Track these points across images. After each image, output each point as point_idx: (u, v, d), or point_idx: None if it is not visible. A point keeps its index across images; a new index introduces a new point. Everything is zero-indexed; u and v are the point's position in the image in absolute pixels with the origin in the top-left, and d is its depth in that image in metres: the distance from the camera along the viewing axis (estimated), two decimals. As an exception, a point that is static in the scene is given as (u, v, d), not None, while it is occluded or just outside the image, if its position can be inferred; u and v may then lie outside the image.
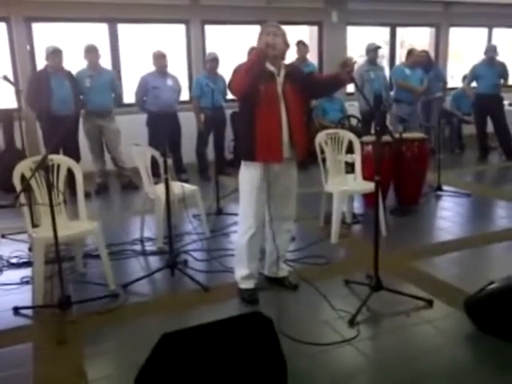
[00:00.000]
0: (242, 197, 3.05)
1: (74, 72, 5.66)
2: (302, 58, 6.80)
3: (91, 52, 5.69)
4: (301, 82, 2.97)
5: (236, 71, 2.84)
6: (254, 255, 3.08)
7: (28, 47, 6.36)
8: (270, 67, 2.90)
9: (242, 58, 6.32)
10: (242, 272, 3.09)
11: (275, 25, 2.93)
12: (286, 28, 2.99)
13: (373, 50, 6.87)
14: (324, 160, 4.29)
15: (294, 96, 2.93)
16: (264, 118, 2.86)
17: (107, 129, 5.85)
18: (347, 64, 2.79)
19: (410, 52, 6.97)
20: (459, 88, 8.11)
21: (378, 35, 8.63)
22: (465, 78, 7.75)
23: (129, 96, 6.48)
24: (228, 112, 6.57)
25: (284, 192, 3.07)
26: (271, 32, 2.87)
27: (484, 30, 9.26)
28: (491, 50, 7.05)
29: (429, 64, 7.33)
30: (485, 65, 7.09)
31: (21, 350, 2.64)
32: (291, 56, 6.63)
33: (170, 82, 6.04)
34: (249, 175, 2.98)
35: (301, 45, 6.82)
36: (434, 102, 7.37)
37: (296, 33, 7.38)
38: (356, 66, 2.87)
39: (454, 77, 9.09)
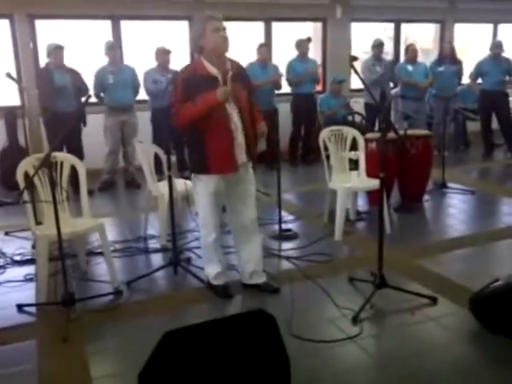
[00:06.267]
0: (199, 208, 3.06)
1: (78, 69, 5.65)
2: (262, 60, 6.53)
3: (112, 49, 5.80)
4: (246, 83, 2.92)
5: (178, 103, 2.77)
6: (219, 251, 3.16)
7: (31, 44, 6.36)
8: (213, 70, 2.75)
9: (244, 53, 6.37)
10: (214, 270, 3.12)
11: (220, 17, 2.75)
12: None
13: (377, 46, 6.89)
14: (328, 157, 4.28)
15: (243, 94, 2.84)
16: (214, 130, 2.76)
17: (129, 123, 5.91)
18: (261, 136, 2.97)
19: (407, 48, 6.99)
20: (465, 84, 8.04)
21: (383, 31, 8.58)
22: (471, 74, 7.67)
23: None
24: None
25: (242, 195, 3.02)
26: (220, 27, 2.73)
27: (489, 26, 9.20)
28: (497, 46, 6.98)
29: (453, 57, 7.19)
30: (490, 61, 7.03)
31: (25, 347, 2.64)
32: (251, 57, 6.53)
33: (172, 78, 6.03)
34: (204, 188, 2.93)
35: (263, 47, 6.60)
36: (452, 98, 7.24)
37: (300, 29, 7.33)
38: (360, 62, 2.83)
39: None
